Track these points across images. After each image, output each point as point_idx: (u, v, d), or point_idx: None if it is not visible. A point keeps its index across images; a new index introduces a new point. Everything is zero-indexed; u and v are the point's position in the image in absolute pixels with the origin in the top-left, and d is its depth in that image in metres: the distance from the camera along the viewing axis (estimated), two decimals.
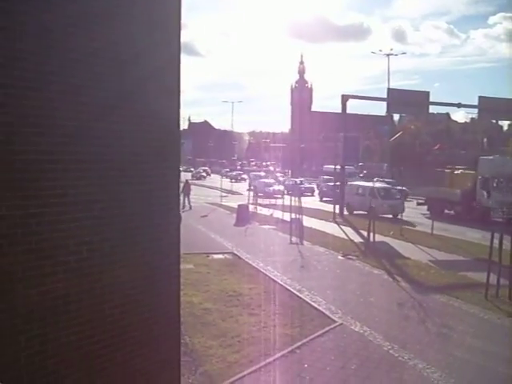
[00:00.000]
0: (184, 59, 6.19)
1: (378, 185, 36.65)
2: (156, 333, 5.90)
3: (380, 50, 73.39)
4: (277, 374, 8.52)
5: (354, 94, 40.80)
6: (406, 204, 36.13)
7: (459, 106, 40.10)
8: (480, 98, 38.78)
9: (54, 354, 4.65)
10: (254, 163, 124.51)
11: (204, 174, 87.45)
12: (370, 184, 36.20)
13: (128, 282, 5.42)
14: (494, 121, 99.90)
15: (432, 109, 41.29)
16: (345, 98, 35.37)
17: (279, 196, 38.46)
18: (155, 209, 5.84)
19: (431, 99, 37.62)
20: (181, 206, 26.08)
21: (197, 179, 73.64)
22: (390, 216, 32.09)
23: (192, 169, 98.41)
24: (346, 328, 10.92)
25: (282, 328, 10.69)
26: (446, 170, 38.52)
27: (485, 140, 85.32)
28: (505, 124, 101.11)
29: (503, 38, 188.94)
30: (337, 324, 11.12)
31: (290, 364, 8.94)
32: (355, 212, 33.87)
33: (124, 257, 5.41)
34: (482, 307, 12.72)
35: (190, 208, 33.31)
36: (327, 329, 10.75)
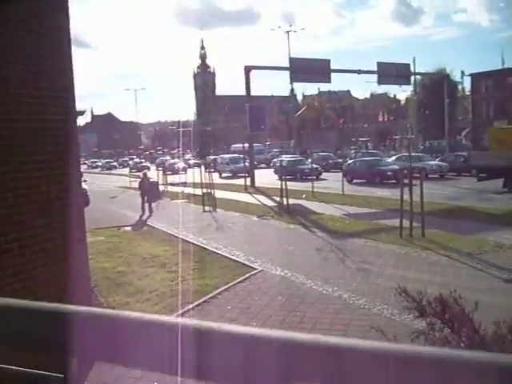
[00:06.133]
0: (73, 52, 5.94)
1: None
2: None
3: (279, 27, 74.04)
4: (198, 318, 8.08)
5: (256, 65, 40.37)
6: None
7: (359, 72, 40.82)
8: (378, 63, 39.86)
9: None
10: (161, 151, 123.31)
11: (147, 165, 63.67)
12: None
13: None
14: (392, 95, 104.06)
15: (334, 86, 41.83)
16: (247, 69, 35.19)
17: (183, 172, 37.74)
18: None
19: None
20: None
21: (138, 171, 57.57)
22: None
23: (97, 161, 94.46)
24: (266, 273, 10.65)
25: (200, 280, 10.26)
26: None
27: (385, 113, 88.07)
28: (402, 98, 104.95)
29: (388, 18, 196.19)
30: (257, 271, 10.82)
31: (212, 307, 8.55)
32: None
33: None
34: (398, 245, 12.86)
35: (151, 214, 22.39)
36: (247, 275, 10.44)
